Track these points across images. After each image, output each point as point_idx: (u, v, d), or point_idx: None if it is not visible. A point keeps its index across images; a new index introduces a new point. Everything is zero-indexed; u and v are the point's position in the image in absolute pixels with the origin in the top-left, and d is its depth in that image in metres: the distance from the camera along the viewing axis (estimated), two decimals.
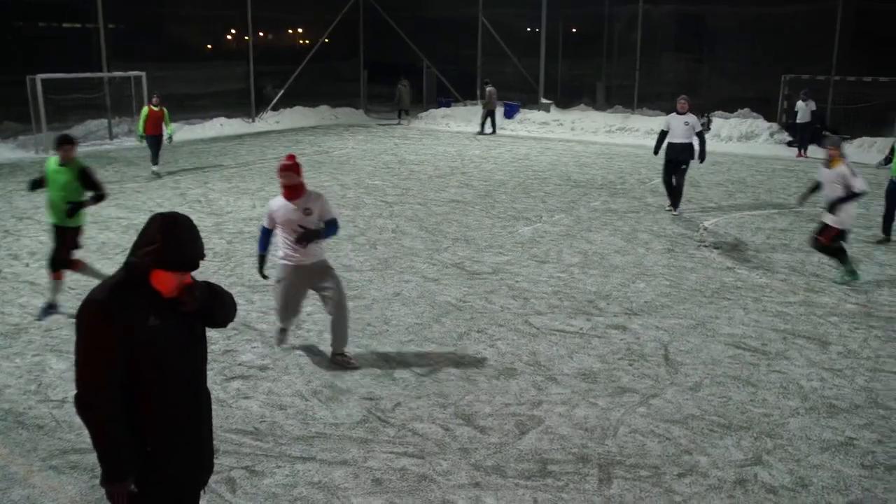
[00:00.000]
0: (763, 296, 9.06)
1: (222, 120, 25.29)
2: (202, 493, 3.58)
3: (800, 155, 21.95)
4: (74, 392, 3.10)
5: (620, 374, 6.75)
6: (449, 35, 32.23)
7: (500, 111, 27.88)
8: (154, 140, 16.05)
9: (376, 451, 5.38)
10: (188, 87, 26.61)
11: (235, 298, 3.55)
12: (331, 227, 6.57)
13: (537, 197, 14.66)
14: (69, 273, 8.28)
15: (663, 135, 13.31)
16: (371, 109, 30.90)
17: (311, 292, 6.91)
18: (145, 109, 16.13)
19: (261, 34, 30.13)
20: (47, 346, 7.23)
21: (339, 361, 6.81)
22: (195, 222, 3.29)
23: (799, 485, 5.14)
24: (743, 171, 18.74)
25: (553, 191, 15.38)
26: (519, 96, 29.02)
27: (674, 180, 13.33)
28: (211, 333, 3.51)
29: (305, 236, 6.43)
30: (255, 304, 8.17)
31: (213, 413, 3.59)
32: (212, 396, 3.54)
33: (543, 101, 28.82)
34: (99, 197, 8.03)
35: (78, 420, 5.25)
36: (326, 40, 30.02)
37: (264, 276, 7.02)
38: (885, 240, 11.90)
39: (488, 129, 25.57)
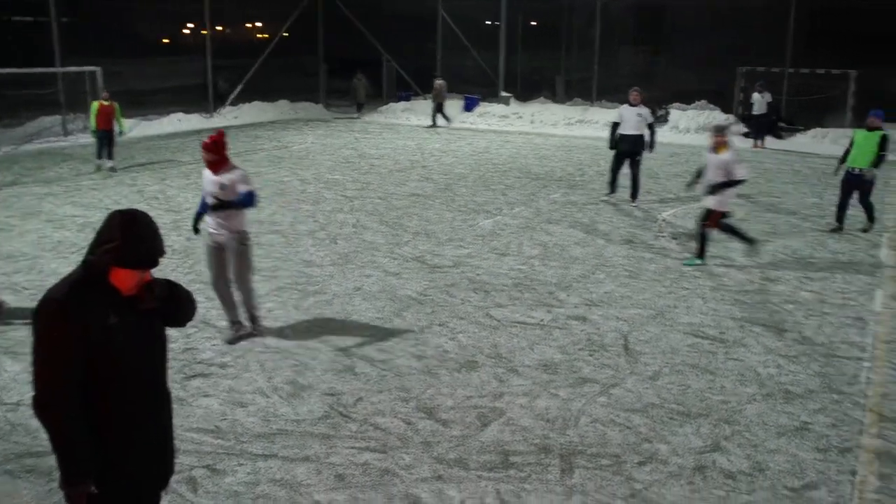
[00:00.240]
0: (720, 285, 9.18)
1: (180, 115, 24.97)
2: (163, 493, 3.55)
3: (756, 146, 22.25)
4: (31, 394, 3.05)
5: (581, 365, 6.80)
6: (409, 29, 32.15)
7: (460, 104, 27.92)
8: (105, 135, 15.80)
9: (338, 447, 5.37)
10: (145, 82, 26.27)
11: (195, 296, 3.52)
12: (244, 197, 6.98)
13: (497, 190, 14.70)
14: (22, 273, 8.14)
15: (616, 126, 13.45)
16: (331, 104, 30.75)
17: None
18: (95, 104, 15.87)
19: (218, 28, 29.82)
20: (1, 347, 7.10)
21: (257, 330, 7.38)
22: (153, 219, 3.25)
23: (756, 469, 5.22)
24: (700, 162, 18.92)
25: (513, 183, 15.43)
26: (479, 89, 29.08)
27: (630, 172, 13.48)
28: (170, 332, 3.47)
29: (218, 206, 6.98)
30: (215, 302, 8.08)
31: (174, 412, 3.55)
32: (171, 395, 3.50)
33: (503, 94, 28.89)
34: None
35: (34, 423, 5.18)
36: (285, 34, 29.76)
37: (196, 231, 7.35)
38: (838, 228, 12.11)
39: (441, 121, 25.63)
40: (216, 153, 7.05)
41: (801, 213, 13.54)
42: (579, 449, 5.41)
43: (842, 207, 12.17)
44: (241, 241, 7.15)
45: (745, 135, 23.59)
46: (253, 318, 7.42)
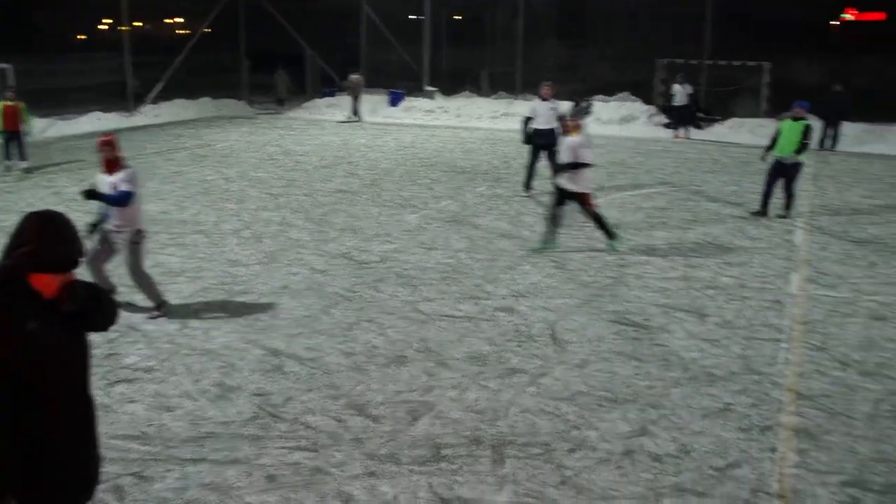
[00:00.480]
0: (644, 273, 9.37)
1: (98, 114, 24.25)
2: None
3: (677, 137, 22.73)
4: None
5: (509, 356, 6.87)
6: (332, 23, 31.87)
7: (385, 99, 27.84)
8: (12, 136, 15.27)
9: (269, 448, 5.32)
10: (60, 79, 25.42)
11: (117, 300, 3.44)
12: (118, 195, 7.33)
13: (424, 184, 14.72)
14: None
15: (528, 121, 13.65)
16: (254, 100, 30.29)
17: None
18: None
19: (137, 24, 29.09)
20: None
21: (154, 316, 7.66)
22: (72, 221, 3.17)
23: (682, 451, 5.36)
24: (623, 153, 19.29)
25: (439, 177, 15.47)
26: (404, 84, 29.00)
27: (548, 163, 13.68)
28: (92, 337, 3.38)
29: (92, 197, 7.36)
30: (139, 305, 7.93)
31: (98, 419, 3.46)
32: (95, 402, 3.42)
33: (428, 88, 28.89)
34: None
35: None
36: (207, 30, 29.20)
37: (90, 231, 7.56)
38: (762, 213, 12.55)
39: (352, 116, 25.58)
40: (113, 151, 7.49)
41: (721, 200, 13.90)
42: (510, 439, 5.46)
43: (767, 194, 12.56)
44: (135, 239, 7.55)
45: (666, 125, 24.08)
46: (160, 306, 7.74)
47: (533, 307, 8.11)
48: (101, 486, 4.61)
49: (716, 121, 24.44)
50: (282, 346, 7.02)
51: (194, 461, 5.14)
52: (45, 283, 3.02)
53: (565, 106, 13.28)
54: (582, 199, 10.07)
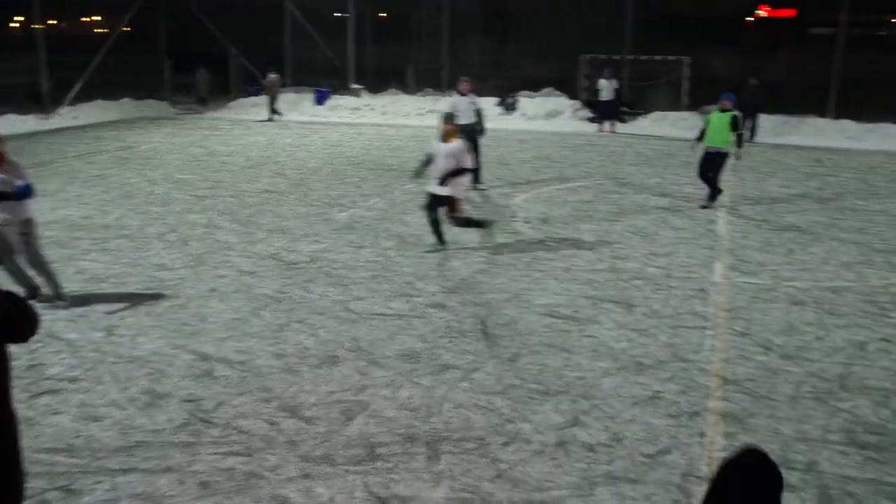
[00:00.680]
0: (572, 265, 9.50)
1: (13, 116, 23.49)
2: None
3: (601, 131, 23.09)
4: None
5: (441, 352, 6.90)
6: (255, 21, 31.44)
7: (310, 98, 27.62)
8: None
9: (201, 454, 5.24)
10: None
11: (38, 308, 3.35)
12: (19, 188, 7.53)
13: (351, 183, 14.66)
14: None
15: (449, 117, 13.67)
16: (177, 101, 29.70)
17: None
18: None
19: (52, 22, 28.19)
20: None
21: (59, 305, 7.89)
22: None
23: (614, 440, 5.45)
24: (549, 148, 19.52)
25: (367, 176, 15.42)
26: (329, 82, 28.80)
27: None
28: (13, 349, 3.29)
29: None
30: (61, 313, 7.72)
31: (21, 433, 3.36)
32: (18, 415, 3.32)
33: (354, 86, 28.77)
34: None
35: None
36: (126, 28, 28.46)
37: None
38: (711, 201, 12.93)
39: (275, 114, 25.38)
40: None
41: (646, 192, 14.17)
42: (444, 435, 5.48)
43: (705, 180, 12.98)
44: (24, 229, 7.76)
45: (591, 120, 24.45)
46: (59, 296, 7.97)
47: (464, 303, 8.15)
48: (26, 503, 4.50)
49: (639, 114, 24.92)
50: (211, 351, 6.92)
51: (124, 471, 5.03)
52: None
53: (485, 101, 13.44)
54: (450, 204, 9.85)
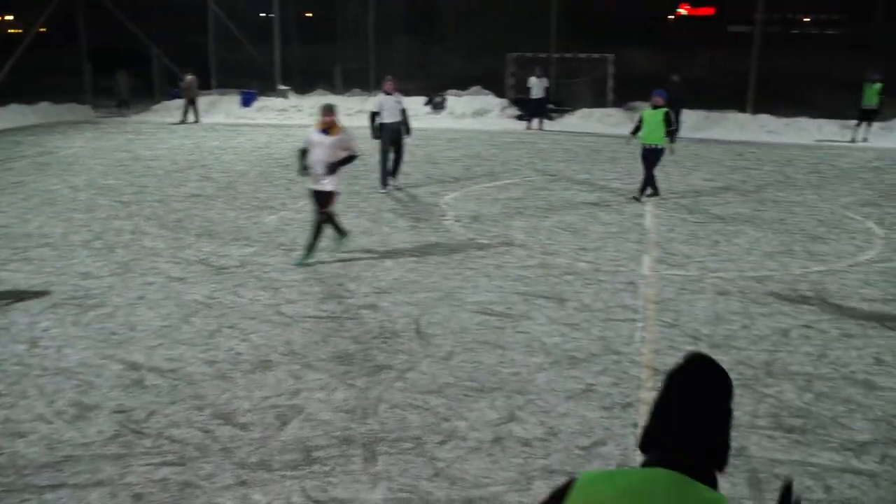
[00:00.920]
0: (504, 262, 9.58)
1: None
2: None
3: (530, 128, 23.32)
4: None
5: (375, 353, 6.89)
6: (178, 22, 30.82)
7: (236, 100, 27.27)
8: None
9: (133, 466, 5.13)
10: None
11: None
12: None
13: (280, 185, 14.52)
14: None
15: (375, 115, 13.79)
16: (99, 104, 28.93)
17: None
18: None
19: None
20: None
21: None
22: None
23: (550, 434, 5.52)
24: (478, 146, 19.63)
25: (296, 177, 15.15)
26: (256, 84, 28.45)
27: (393, 157, 13.93)
28: None
29: None
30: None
31: None
32: None
33: (281, 87, 28.47)
34: None
35: None
36: (42, 29, 27.56)
37: None
38: (655, 194, 13.28)
39: (187, 116, 25.04)
40: None
41: (574, 188, 14.37)
42: (381, 436, 5.48)
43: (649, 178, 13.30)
44: None
45: (519, 117, 24.67)
46: None
47: (396, 303, 8.15)
48: None
49: (566, 111, 25.23)
50: (141, 360, 6.78)
51: (53, 487, 4.90)
52: None
53: (410, 100, 13.50)
54: (326, 198, 9.47)
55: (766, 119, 23.56)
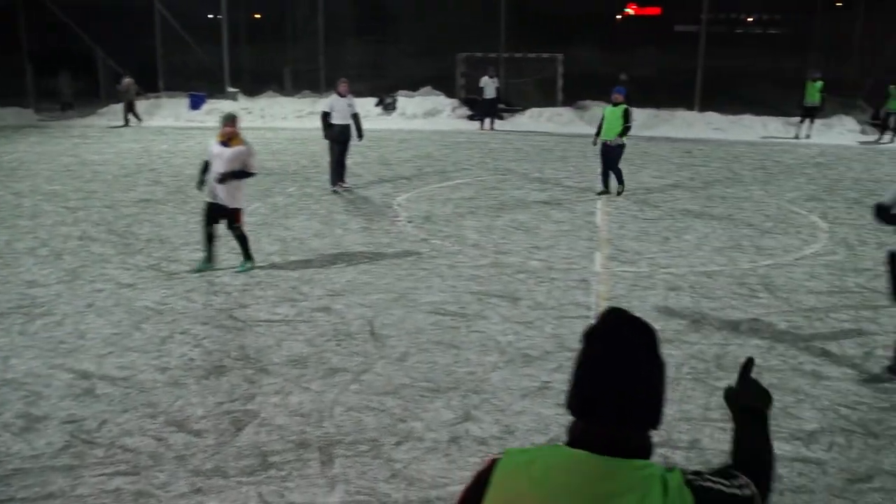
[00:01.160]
0: (457, 262, 9.61)
1: None
2: None
3: (483, 128, 23.41)
4: None
5: (330, 356, 6.86)
6: (124, 23, 30.28)
7: (185, 102, 26.94)
8: None
9: (85, 477, 5.04)
10: None
11: None
12: None
13: None
14: None
15: (326, 115, 13.79)
16: (42, 108, 28.29)
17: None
18: None
19: None
20: None
21: None
22: None
23: (506, 432, 5.55)
24: (429, 147, 19.66)
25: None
26: (205, 86, 28.11)
27: (339, 158, 13.95)
28: None
29: None
30: None
31: None
32: None
33: (230, 89, 28.18)
34: None
35: None
36: None
37: None
38: (605, 192, 13.58)
39: (128, 119, 24.75)
40: None
41: (526, 187, 14.46)
42: (337, 439, 5.46)
43: (605, 174, 13.63)
44: None
45: (470, 117, 24.76)
46: None
47: (350, 305, 8.13)
48: None
49: (516, 111, 25.39)
50: (92, 368, 6.67)
51: (1, 502, 4.80)
52: None
53: (362, 101, 13.51)
54: (233, 216, 9.16)
55: (712, 117, 23.99)
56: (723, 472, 1.89)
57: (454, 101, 26.08)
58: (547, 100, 25.89)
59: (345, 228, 11.27)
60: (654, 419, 1.90)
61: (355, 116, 13.79)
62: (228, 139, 8.96)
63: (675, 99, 24.66)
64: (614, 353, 1.91)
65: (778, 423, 5.70)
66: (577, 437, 1.91)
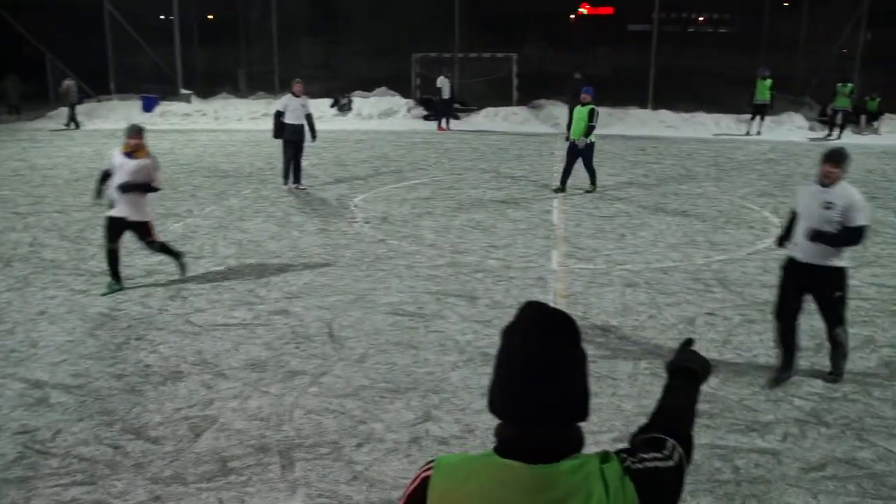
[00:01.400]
0: (414, 262, 9.61)
1: None
2: None
3: (441, 128, 23.42)
4: None
5: (288, 359, 6.82)
6: (73, 24, 29.70)
7: (138, 105, 26.56)
8: None
9: (40, 488, 4.95)
10: None
11: None
12: None
13: (186, 191, 14.22)
14: None
15: (279, 115, 13.77)
16: None
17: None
18: None
19: None
20: None
21: None
22: None
23: (466, 431, 5.58)
24: (385, 147, 19.63)
25: (201, 183, 15.00)
26: (158, 88, 27.71)
27: (293, 158, 13.95)
28: None
29: None
30: None
31: None
32: None
33: (183, 91, 27.84)
34: None
35: None
36: None
37: None
38: (561, 189, 13.73)
39: (76, 123, 24.42)
40: None
41: (482, 186, 14.51)
42: (297, 442, 5.44)
43: (566, 173, 13.81)
44: None
45: (426, 118, 24.78)
46: None
47: (308, 307, 8.09)
48: None
49: (472, 111, 25.46)
50: (45, 377, 6.55)
51: None
52: None
53: (316, 102, 13.47)
54: (143, 230, 8.76)
55: (665, 114, 24.31)
56: (652, 443, 1.91)
57: (410, 102, 26.08)
58: (502, 99, 26.01)
59: (301, 230, 11.21)
60: (581, 412, 1.87)
61: (308, 117, 13.78)
62: (133, 151, 8.54)
63: (628, 97, 24.93)
64: (533, 348, 1.86)
65: (735, 416, 5.80)
66: (506, 444, 1.86)
